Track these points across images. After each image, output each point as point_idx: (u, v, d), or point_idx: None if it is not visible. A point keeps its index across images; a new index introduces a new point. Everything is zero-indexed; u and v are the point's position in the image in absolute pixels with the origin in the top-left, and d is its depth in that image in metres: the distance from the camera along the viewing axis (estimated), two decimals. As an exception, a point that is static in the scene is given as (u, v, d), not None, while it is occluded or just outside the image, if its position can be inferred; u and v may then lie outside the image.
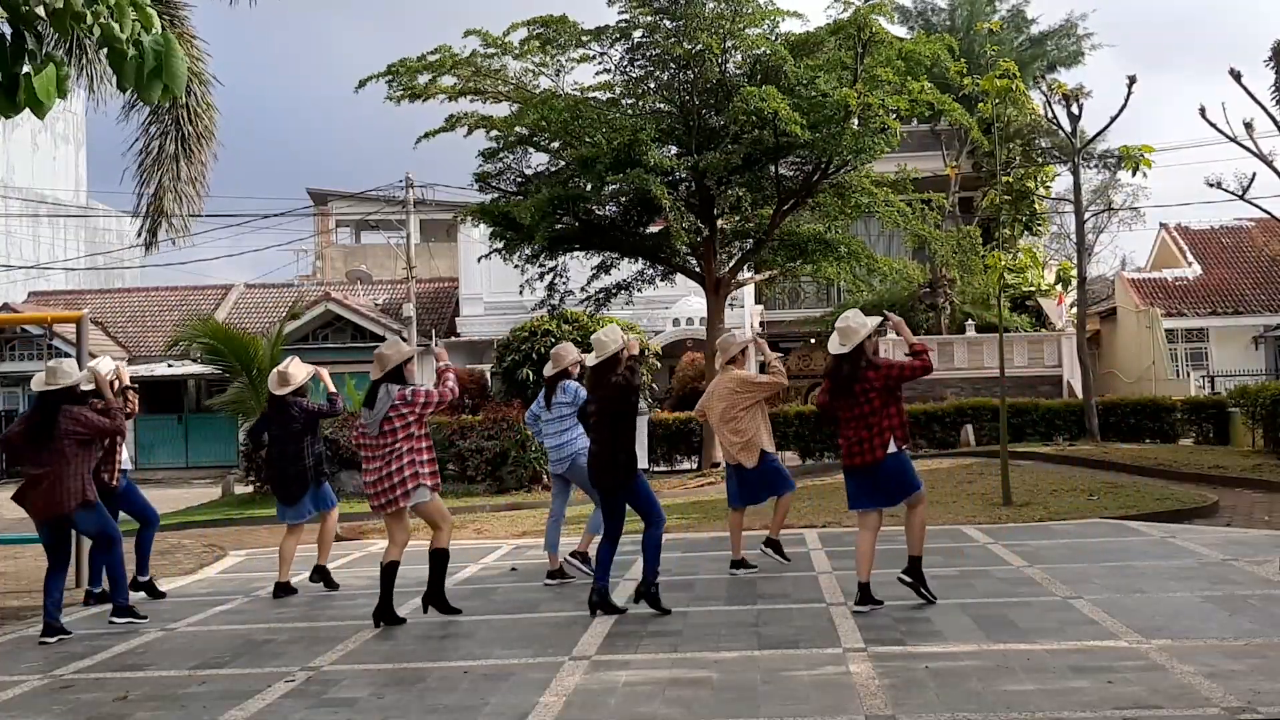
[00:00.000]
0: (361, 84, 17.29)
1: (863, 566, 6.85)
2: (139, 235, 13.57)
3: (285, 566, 8.70)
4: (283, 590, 8.64)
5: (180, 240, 13.47)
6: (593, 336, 7.45)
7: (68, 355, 8.12)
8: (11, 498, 7.67)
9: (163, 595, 8.92)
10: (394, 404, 7.00)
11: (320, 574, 8.85)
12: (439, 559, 7.29)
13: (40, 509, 7.35)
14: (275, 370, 8.84)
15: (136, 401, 8.55)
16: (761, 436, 8.38)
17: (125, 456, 8.83)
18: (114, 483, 8.45)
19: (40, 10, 3.96)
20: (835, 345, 6.93)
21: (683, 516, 11.94)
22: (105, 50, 4.11)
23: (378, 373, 7.15)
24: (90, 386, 7.85)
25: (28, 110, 4.25)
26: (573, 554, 8.69)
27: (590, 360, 7.34)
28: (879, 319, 7.16)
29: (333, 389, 9.07)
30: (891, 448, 6.77)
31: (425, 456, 7.12)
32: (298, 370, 8.78)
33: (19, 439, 7.64)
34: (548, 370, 8.54)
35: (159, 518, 9.33)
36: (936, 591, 7.30)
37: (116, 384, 8.07)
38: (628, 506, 7.25)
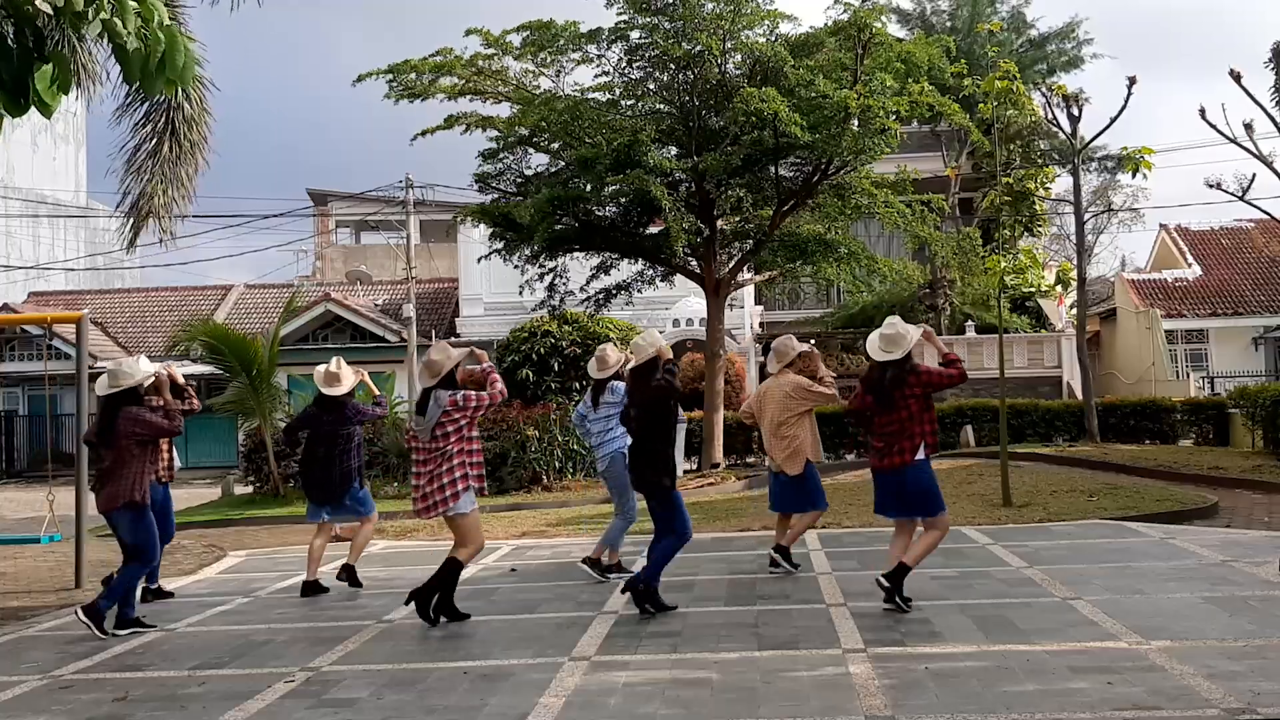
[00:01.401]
0: (360, 79, 17.26)
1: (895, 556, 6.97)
2: (118, 233, 13.52)
3: (314, 565, 8.66)
4: (311, 589, 8.57)
5: (169, 241, 13.44)
6: (632, 342, 7.42)
7: (129, 355, 8.11)
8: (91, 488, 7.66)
9: (170, 595, 8.92)
10: (445, 410, 7.01)
11: (348, 572, 8.80)
12: (452, 568, 7.19)
13: (100, 505, 7.42)
14: (324, 370, 8.72)
15: (196, 399, 8.45)
16: (808, 445, 8.35)
17: (175, 457, 8.84)
18: (166, 479, 8.63)
19: (46, 7, 3.97)
20: (878, 352, 6.94)
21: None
22: (110, 46, 4.12)
23: (429, 380, 7.10)
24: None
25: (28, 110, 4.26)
26: (585, 560, 8.70)
27: (631, 364, 7.37)
28: (920, 327, 7.16)
29: (377, 392, 9.08)
30: (920, 454, 6.84)
31: (476, 459, 7.18)
32: (348, 373, 8.74)
33: (92, 438, 7.63)
34: (595, 372, 8.51)
35: (174, 534, 9.32)
36: (937, 592, 7.31)
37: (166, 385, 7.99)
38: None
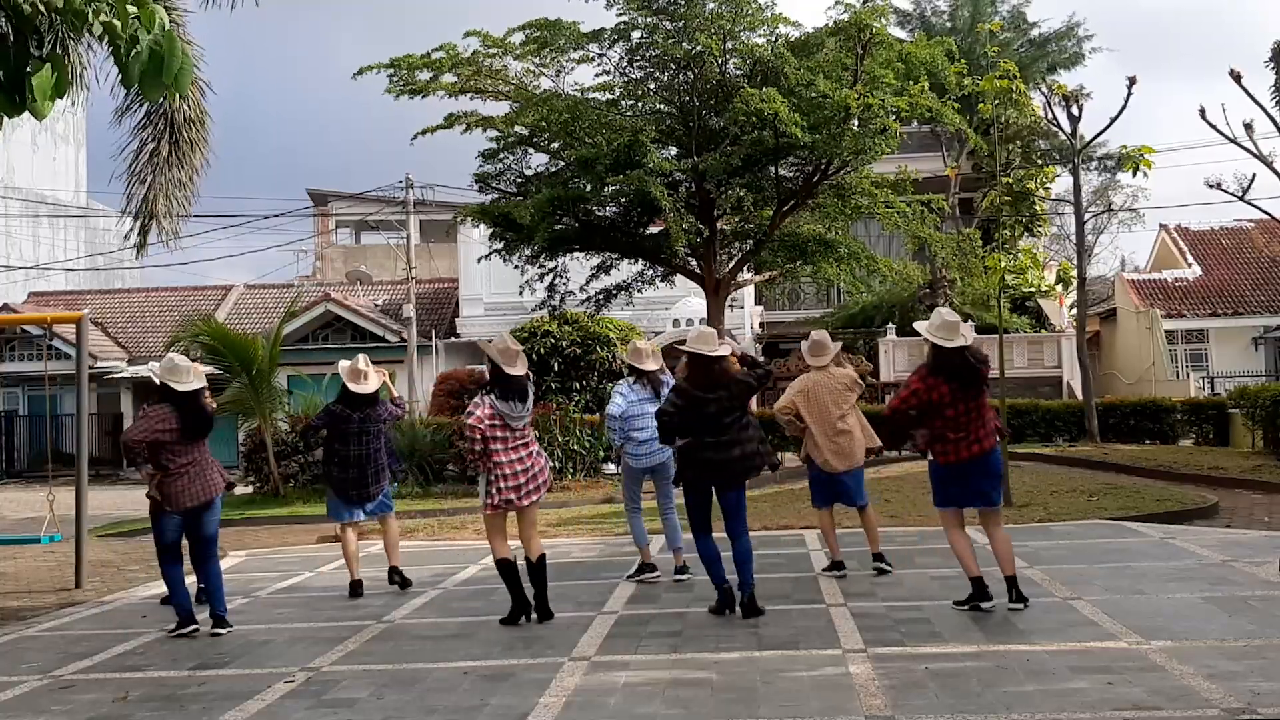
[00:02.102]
0: (360, 71, 17.27)
1: (969, 563, 6.80)
2: (126, 237, 13.55)
3: (356, 564, 8.62)
4: (358, 589, 8.50)
5: (172, 242, 13.46)
6: (692, 335, 7.16)
7: (182, 357, 8.02)
8: (148, 496, 7.47)
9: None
10: (533, 398, 7.26)
11: (396, 574, 8.73)
12: (544, 565, 7.22)
13: (197, 497, 7.37)
14: (349, 366, 8.62)
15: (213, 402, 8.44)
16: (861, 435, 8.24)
17: None
18: None
19: (42, 7, 3.97)
20: (944, 340, 6.77)
21: (685, 516, 11.90)
22: (109, 48, 4.12)
23: (519, 366, 7.09)
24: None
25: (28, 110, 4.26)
26: (641, 566, 8.51)
27: (719, 351, 7.06)
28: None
29: (395, 394, 9.07)
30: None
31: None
32: (373, 371, 8.70)
33: (176, 435, 7.40)
34: (642, 364, 8.38)
35: None
36: (937, 592, 7.31)
37: None
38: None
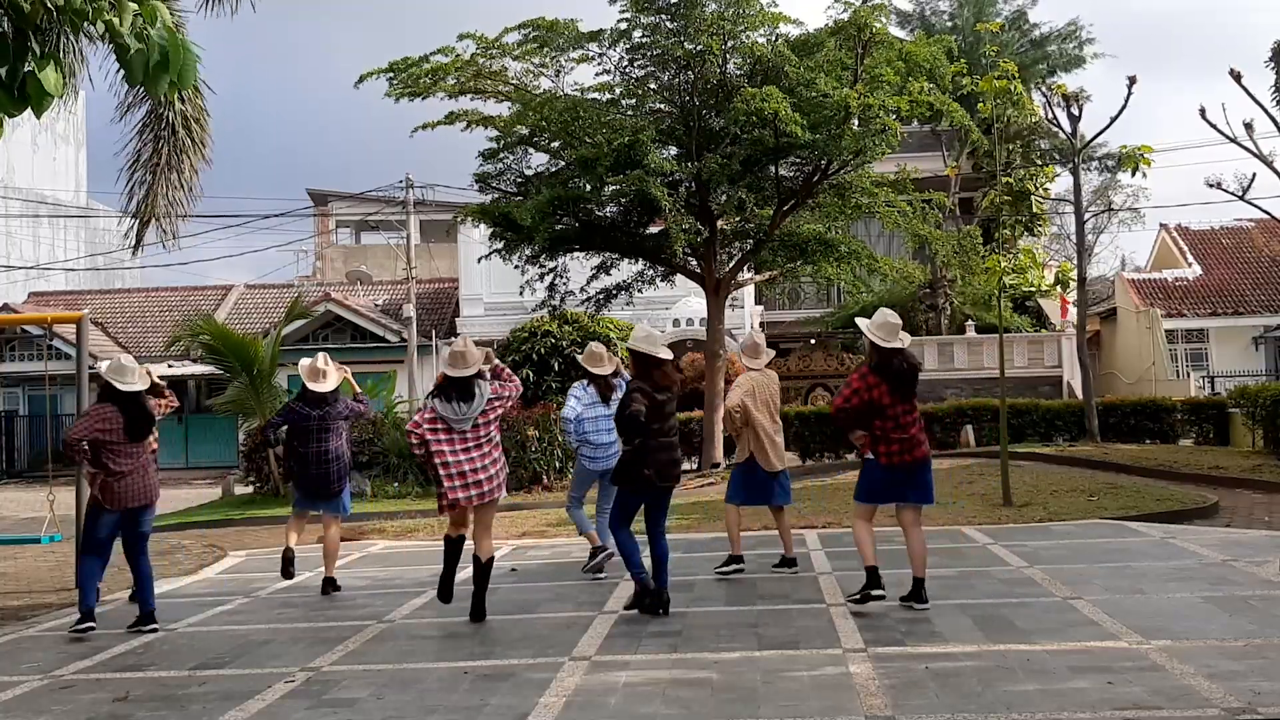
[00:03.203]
0: (361, 79, 17.27)
1: (868, 552, 6.94)
2: (125, 236, 13.57)
3: (331, 560, 8.74)
4: (331, 585, 8.64)
5: (171, 242, 13.47)
6: (640, 334, 7.27)
7: (125, 355, 8.13)
8: (91, 498, 7.58)
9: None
10: (489, 398, 7.17)
11: (330, 584, 8.73)
12: (489, 567, 7.29)
13: (138, 499, 7.46)
14: (309, 365, 8.65)
15: (174, 398, 8.48)
16: None
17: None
18: None
19: (42, 5, 3.97)
20: (883, 339, 6.84)
21: (683, 517, 11.93)
22: (110, 47, 4.13)
23: (464, 368, 7.10)
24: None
25: (27, 109, 4.26)
26: (594, 551, 8.73)
27: (666, 353, 7.22)
28: None
29: (358, 390, 9.06)
30: None
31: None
32: (332, 370, 8.73)
33: (119, 435, 7.42)
34: (597, 368, 8.48)
35: None
36: (937, 592, 7.30)
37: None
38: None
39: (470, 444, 7.11)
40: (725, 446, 18.26)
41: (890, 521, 10.88)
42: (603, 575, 8.50)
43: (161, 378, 8.57)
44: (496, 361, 7.54)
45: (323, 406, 8.55)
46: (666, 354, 7.17)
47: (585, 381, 8.66)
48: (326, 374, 8.61)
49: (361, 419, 8.89)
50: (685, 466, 18.49)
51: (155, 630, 7.36)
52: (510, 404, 7.37)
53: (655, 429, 7.05)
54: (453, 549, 7.36)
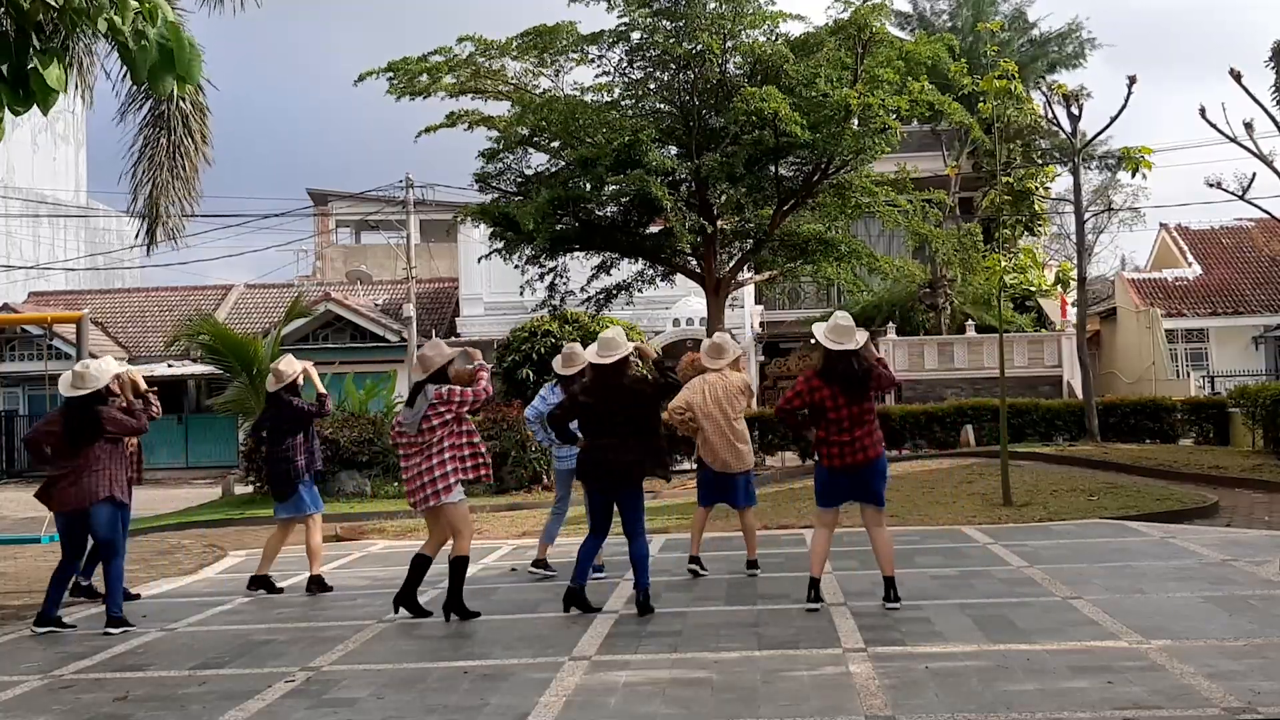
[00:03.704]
0: (361, 78, 17.30)
1: (817, 564, 6.99)
2: (137, 237, 13.62)
3: (267, 562, 8.84)
4: (259, 584, 8.75)
5: (176, 241, 13.52)
6: (602, 338, 7.31)
7: (94, 357, 8.17)
8: (35, 494, 7.79)
9: (100, 595, 8.92)
10: (432, 403, 7.10)
11: (317, 584, 8.77)
12: (459, 566, 7.25)
13: (68, 502, 7.50)
14: (271, 366, 8.91)
15: (158, 403, 8.37)
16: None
17: (142, 458, 8.81)
18: (139, 481, 8.53)
19: (42, 3, 3.96)
20: (831, 342, 6.92)
21: (683, 517, 11.93)
22: (111, 45, 4.13)
23: (420, 374, 7.22)
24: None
25: (33, 106, 4.26)
26: (535, 563, 8.86)
27: (603, 359, 7.18)
28: (861, 330, 7.15)
29: (321, 389, 9.02)
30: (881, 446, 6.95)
31: (468, 452, 7.20)
32: (288, 366, 8.80)
33: (57, 439, 7.61)
34: (565, 369, 8.50)
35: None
36: (937, 592, 7.31)
37: (129, 387, 8.00)
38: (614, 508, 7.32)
39: (413, 451, 7.16)
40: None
41: (892, 521, 10.86)
42: (602, 574, 8.48)
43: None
44: (479, 363, 7.46)
45: (275, 407, 8.72)
46: (607, 359, 7.13)
47: (554, 382, 8.77)
48: (279, 374, 8.72)
49: (315, 418, 8.82)
50: (685, 466, 18.52)
51: (125, 631, 7.37)
52: (463, 408, 7.14)
53: (595, 430, 7.15)
54: (417, 565, 7.36)
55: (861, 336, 6.97)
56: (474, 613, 7.24)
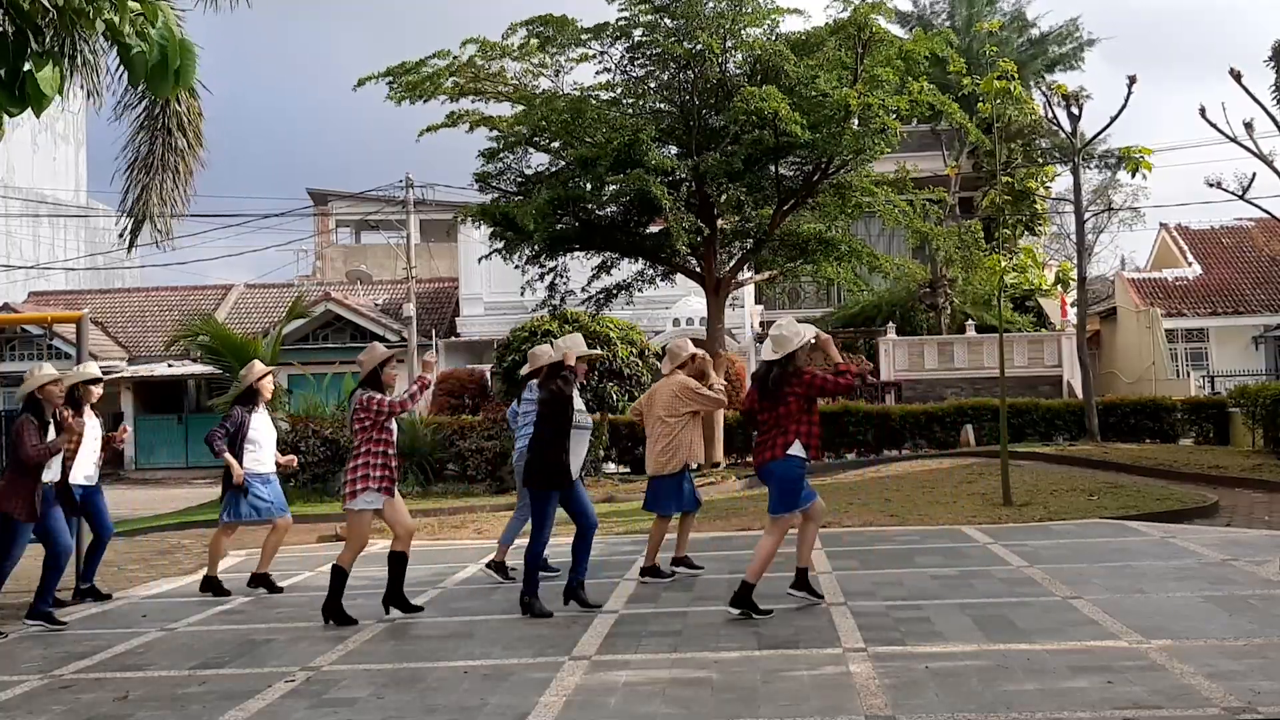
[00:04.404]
0: (360, 83, 17.29)
1: (757, 569, 6.85)
2: (121, 235, 13.61)
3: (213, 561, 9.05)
4: (259, 582, 8.92)
5: (165, 241, 13.52)
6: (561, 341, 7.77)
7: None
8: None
9: (108, 597, 8.95)
10: (354, 408, 7.30)
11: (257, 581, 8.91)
12: (336, 573, 7.34)
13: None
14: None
15: (78, 432, 8.04)
16: (685, 446, 8.24)
17: (90, 467, 8.60)
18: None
19: (41, 3, 3.96)
20: (768, 351, 7.11)
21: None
22: (114, 47, 4.13)
23: (362, 377, 7.42)
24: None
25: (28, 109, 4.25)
26: (490, 564, 8.89)
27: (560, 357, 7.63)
28: (812, 331, 7.11)
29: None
30: (795, 450, 6.83)
31: (378, 462, 7.19)
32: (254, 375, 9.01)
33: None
34: (525, 370, 8.68)
35: (111, 534, 9.20)
36: (937, 591, 7.31)
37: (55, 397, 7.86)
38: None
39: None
40: (725, 446, 18.26)
41: (892, 521, 10.88)
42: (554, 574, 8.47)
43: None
44: (427, 374, 7.59)
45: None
46: (555, 357, 7.62)
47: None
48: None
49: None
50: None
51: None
52: (380, 417, 7.19)
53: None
54: (391, 562, 7.51)
55: (805, 337, 6.95)
56: (351, 619, 7.23)
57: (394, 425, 7.31)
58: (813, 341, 7.04)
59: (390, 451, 7.24)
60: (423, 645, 6.69)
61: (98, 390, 8.56)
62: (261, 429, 8.91)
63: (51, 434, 7.68)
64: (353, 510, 7.23)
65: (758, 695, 5.14)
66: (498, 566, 8.76)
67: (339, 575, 7.29)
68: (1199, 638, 5.82)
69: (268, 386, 9.12)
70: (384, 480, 7.21)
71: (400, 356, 27.68)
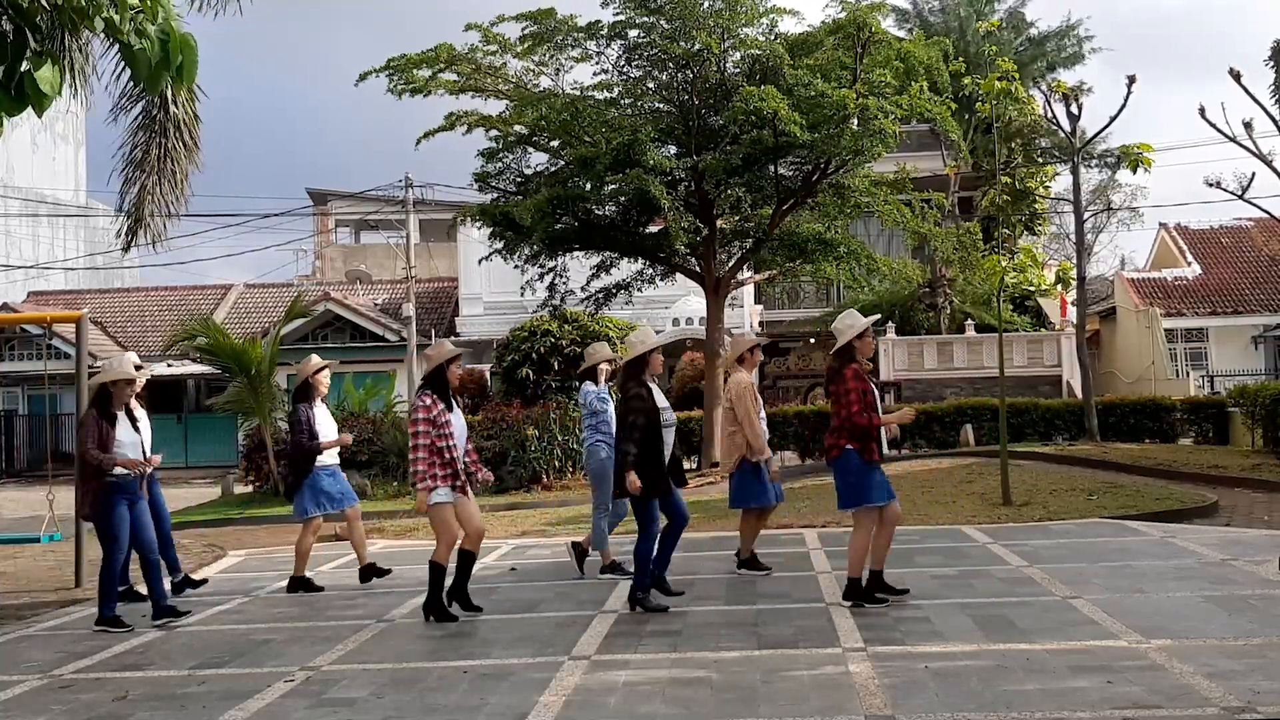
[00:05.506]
0: (362, 78, 17.27)
1: (854, 562, 6.95)
2: (117, 235, 13.59)
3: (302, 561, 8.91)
4: (299, 585, 8.83)
5: (161, 242, 13.49)
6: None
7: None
8: None
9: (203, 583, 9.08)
10: (414, 406, 7.40)
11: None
12: (437, 572, 7.32)
13: None
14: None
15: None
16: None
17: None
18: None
19: (41, 2, 3.96)
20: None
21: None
22: (108, 43, 4.14)
23: (427, 371, 7.56)
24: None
25: (27, 109, 4.25)
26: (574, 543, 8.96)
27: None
28: (865, 323, 7.10)
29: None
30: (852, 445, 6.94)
31: (441, 460, 7.19)
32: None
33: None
34: (582, 369, 8.88)
35: (169, 524, 9.19)
36: (937, 591, 7.31)
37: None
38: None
39: None
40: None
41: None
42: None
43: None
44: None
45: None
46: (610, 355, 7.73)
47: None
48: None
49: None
50: (685, 465, 18.49)
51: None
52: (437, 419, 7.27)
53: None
54: (459, 560, 7.51)
55: (850, 334, 7.02)
56: (453, 616, 7.22)
57: (457, 421, 7.31)
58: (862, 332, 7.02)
59: (453, 444, 7.20)
60: (422, 645, 6.69)
61: (142, 380, 8.50)
62: (324, 423, 8.82)
63: (121, 430, 7.60)
64: (431, 507, 7.18)
65: (757, 695, 5.14)
66: (612, 566, 8.63)
67: (437, 572, 7.23)
68: (1198, 637, 5.82)
69: (324, 380, 8.96)
70: (451, 478, 7.18)
71: (400, 357, 27.64)
